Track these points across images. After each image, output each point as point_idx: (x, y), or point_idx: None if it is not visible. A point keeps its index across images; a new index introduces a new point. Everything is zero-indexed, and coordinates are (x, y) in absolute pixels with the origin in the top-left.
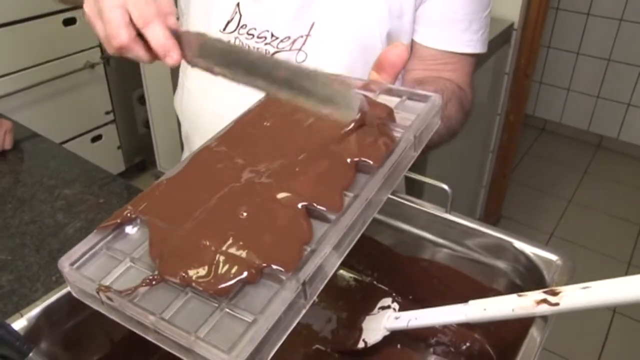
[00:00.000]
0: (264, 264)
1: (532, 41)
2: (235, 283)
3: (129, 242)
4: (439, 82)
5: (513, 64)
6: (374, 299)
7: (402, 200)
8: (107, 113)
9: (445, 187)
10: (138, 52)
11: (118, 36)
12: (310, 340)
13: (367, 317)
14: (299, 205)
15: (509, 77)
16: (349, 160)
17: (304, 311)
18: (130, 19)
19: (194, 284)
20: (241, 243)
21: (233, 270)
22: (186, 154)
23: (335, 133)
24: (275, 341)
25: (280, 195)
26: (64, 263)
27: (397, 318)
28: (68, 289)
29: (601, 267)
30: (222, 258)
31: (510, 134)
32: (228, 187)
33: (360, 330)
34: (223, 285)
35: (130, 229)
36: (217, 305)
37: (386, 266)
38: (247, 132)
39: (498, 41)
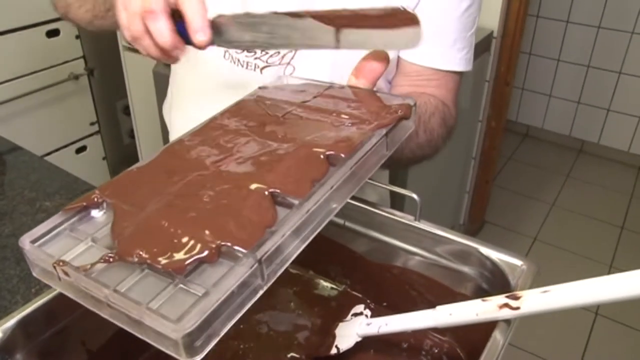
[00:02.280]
0: (222, 243)
1: (511, 49)
2: (191, 261)
3: (93, 225)
4: (422, 97)
5: (493, 72)
6: (348, 306)
7: (374, 210)
8: (92, 124)
9: (415, 196)
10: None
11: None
12: (285, 347)
13: (340, 324)
14: (265, 192)
15: (489, 84)
16: (321, 154)
17: (261, 292)
18: None
19: (149, 261)
20: (201, 224)
21: (190, 249)
22: None
23: (310, 128)
24: (228, 317)
25: (247, 183)
26: (25, 240)
27: (368, 324)
28: (44, 300)
29: (583, 269)
30: (180, 237)
31: (492, 140)
32: (195, 174)
33: (334, 336)
34: (179, 263)
35: (96, 213)
36: (171, 281)
37: (359, 274)
38: (222, 127)
39: (478, 49)
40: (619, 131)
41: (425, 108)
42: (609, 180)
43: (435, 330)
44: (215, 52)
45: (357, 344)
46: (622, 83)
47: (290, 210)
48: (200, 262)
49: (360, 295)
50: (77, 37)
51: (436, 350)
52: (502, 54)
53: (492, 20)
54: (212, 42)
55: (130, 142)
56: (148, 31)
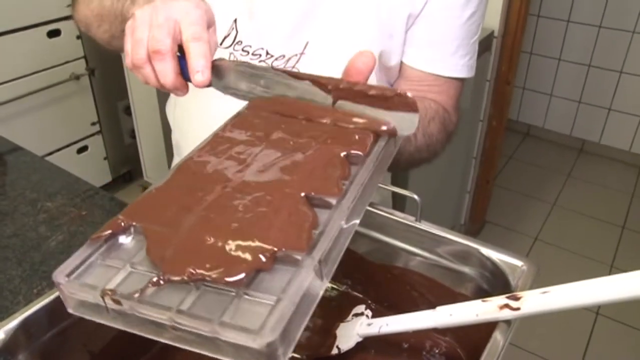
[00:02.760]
0: (276, 249)
1: (512, 48)
2: (250, 270)
3: (125, 252)
4: (423, 102)
5: (494, 71)
6: (349, 307)
7: (375, 210)
8: (93, 124)
9: (415, 197)
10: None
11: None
12: None
13: (341, 324)
14: (301, 195)
15: (490, 84)
16: (340, 153)
17: (321, 293)
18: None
19: (206, 278)
20: (247, 233)
21: (245, 259)
22: (176, 161)
23: (321, 132)
24: (299, 323)
25: (278, 188)
26: (60, 276)
27: (369, 325)
28: (46, 301)
29: (584, 269)
30: (231, 249)
31: (492, 140)
32: (220, 187)
33: (335, 337)
34: (237, 274)
35: (123, 239)
36: (234, 294)
37: (360, 274)
38: (229, 140)
39: (479, 49)
40: (620, 130)
41: (425, 112)
42: (610, 180)
43: (436, 330)
44: (221, 54)
45: (358, 344)
46: (623, 82)
47: (331, 210)
48: (257, 271)
49: (361, 296)
50: (78, 37)
51: (437, 351)
52: (503, 53)
53: (493, 19)
54: (210, 84)
55: (132, 142)
56: (150, 62)
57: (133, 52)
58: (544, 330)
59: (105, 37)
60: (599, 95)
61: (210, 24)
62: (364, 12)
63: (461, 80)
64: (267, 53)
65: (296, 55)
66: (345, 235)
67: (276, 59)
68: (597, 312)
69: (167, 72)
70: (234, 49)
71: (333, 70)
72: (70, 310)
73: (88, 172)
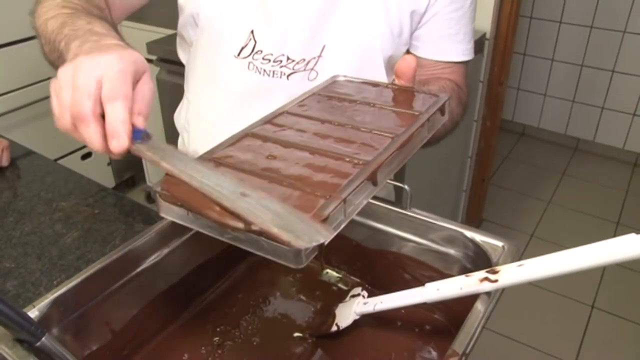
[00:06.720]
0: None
1: (504, 50)
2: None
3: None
4: (440, 82)
5: (487, 73)
6: (347, 290)
7: (370, 200)
8: None
9: (406, 187)
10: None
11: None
12: (290, 328)
13: (340, 304)
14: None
15: (483, 85)
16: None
17: (342, 225)
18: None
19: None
20: (294, 182)
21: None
22: None
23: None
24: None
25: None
26: (158, 187)
27: (365, 303)
28: (73, 283)
29: None
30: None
31: (487, 139)
32: (290, 148)
33: (334, 316)
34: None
35: None
36: None
37: (358, 260)
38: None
39: None
40: (613, 128)
41: (444, 92)
42: (605, 177)
43: (427, 309)
44: (240, 64)
45: (355, 322)
46: (615, 81)
47: (360, 169)
48: None
49: (358, 280)
50: None
51: (427, 327)
52: (495, 54)
53: (485, 22)
54: (128, 152)
55: None
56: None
57: (60, 116)
58: (540, 324)
59: (49, 57)
60: (592, 94)
61: (139, 74)
62: (374, 13)
63: (467, 61)
64: (288, 58)
65: (314, 58)
66: (369, 190)
67: (297, 62)
68: (592, 305)
69: (93, 136)
70: (253, 58)
71: (348, 70)
72: (161, 214)
73: (92, 178)
